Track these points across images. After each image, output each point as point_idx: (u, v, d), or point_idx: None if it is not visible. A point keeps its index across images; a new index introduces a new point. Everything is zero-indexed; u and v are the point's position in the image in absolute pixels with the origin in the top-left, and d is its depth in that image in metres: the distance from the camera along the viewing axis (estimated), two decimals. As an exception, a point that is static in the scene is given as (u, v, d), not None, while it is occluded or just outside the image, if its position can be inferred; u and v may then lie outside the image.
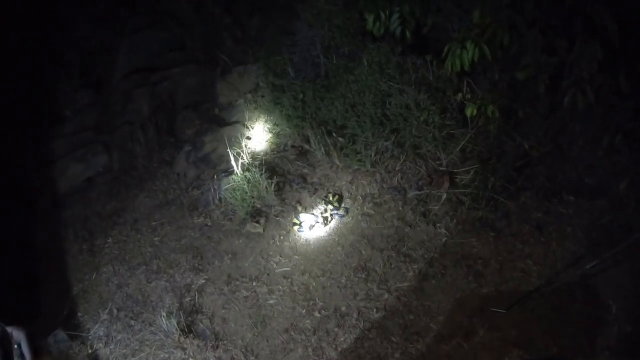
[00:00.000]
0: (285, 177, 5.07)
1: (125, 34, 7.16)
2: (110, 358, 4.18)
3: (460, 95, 4.65)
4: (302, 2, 5.41)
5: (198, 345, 3.99)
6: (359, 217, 4.53)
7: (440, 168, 4.64)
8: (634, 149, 4.46)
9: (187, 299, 4.38)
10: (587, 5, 4.00)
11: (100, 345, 4.29)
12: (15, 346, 3.38)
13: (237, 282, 4.35)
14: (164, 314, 4.16)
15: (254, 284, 4.29)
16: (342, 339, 3.71)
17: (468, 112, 4.48)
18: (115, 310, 4.54)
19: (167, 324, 4.11)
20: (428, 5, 4.68)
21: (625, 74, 4.12)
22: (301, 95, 5.17)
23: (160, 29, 6.99)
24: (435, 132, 4.60)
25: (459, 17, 4.53)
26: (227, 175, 5.19)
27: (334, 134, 4.94)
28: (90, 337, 4.37)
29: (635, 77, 4.22)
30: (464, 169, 4.57)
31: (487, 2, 4.06)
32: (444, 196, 4.46)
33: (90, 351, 4.27)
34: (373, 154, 4.74)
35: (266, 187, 4.82)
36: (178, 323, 4.10)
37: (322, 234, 4.51)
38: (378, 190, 4.69)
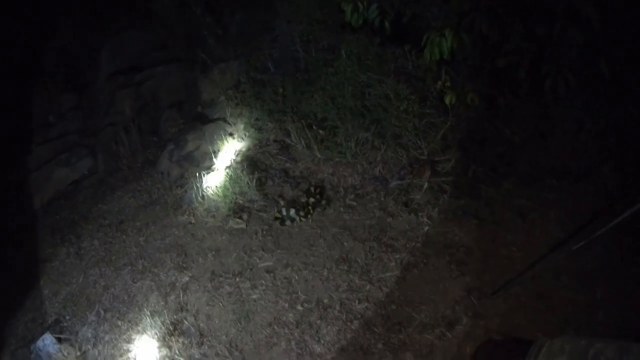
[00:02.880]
0: (267, 171, 5.05)
1: (107, 35, 7.13)
2: (99, 359, 4.16)
3: (439, 83, 4.63)
4: (283, -2, 5.41)
5: (183, 343, 3.96)
6: (341, 209, 4.51)
7: (422, 157, 4.62)
8: (617, 132, 4.45)
9: (172, 297, 4.36)
10: (567, -9, 4.00)
11: (89, 346, 4.28)
12: None
13: (221, 279, 4.32)
14: (149, 313, 4.14)
15: (237, 279, 4.26)
16: (324, 331, 3.69)
17: (447, 100, 4.47)
18: (102, 312, 4.52)
19: (152, 323, 4.09)
20: (407, -5, 4.68)
21: (605, 59, 4.12)
22: (281, 90, 5.16)
23: (143, 29, 6.97)
24: (416, 122, 4.59)
25: (439, 7, 4.51)
26: (209, 173, 5.17)
27: (314, 126, 4.92)
28: (78, 339, 4.36)
29: (616, 62, 4.21)
30: (445, 158, 4.56)
31: (466, -10, 4.06)
32: (426, 185, 4.44)
33: (78, 353, 4.27)
34: (354, 146, 4.72)
35: (248, 183, 4.80)
36: (163, 322, 4.08)
37: (304, 227, 4.49)
38: (360, 181, 4.67)
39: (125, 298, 4.58)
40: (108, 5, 7.24)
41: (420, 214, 4.30)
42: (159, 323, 4.07)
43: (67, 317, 4.67)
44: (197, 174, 5.22)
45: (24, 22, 7.60)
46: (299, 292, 4.00)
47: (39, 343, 4.38)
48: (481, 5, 4.04)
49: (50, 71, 7.51)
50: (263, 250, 4.44)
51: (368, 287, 3.88)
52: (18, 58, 7.58)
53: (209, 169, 5.28)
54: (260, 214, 4.74)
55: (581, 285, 3.64)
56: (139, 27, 7.01)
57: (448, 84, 4.58)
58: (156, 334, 4.07)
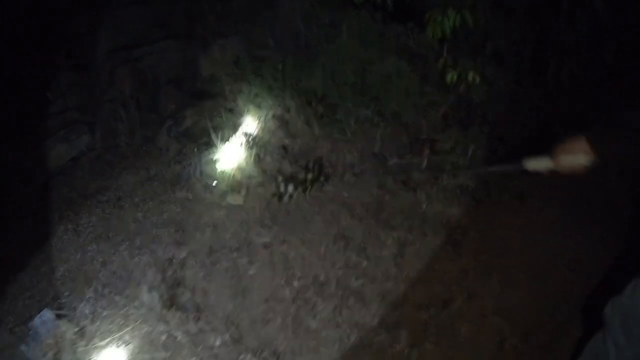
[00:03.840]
0: (265, 147, 5.00)
1: (107, 11, 7.06)
2: (97, 334, 4.11)
3: (441, 62, 4.59)
4: (283, -28, 5.34)
5: (180, 318, 3.94)
6: (339, 186, 4.50)
7: (421, 136, 4.60)
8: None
9: (170, 272, 4.34)
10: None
11: (87, 322, 4.24)
12: None
13: (218, 254, 4.31)
14: (146, 288, 4.14)
15: (235, 255, 4.25)
16: (320, 307, 3.68)
17: (448, 79, 4.43)
18: (100, 288, 4.48)
19: (149, 298, 4.08)
20: (411, -28, 4.62)
21: (611, 49, 4.07)
22: (281, 66, 5.10)
23: (142, 4, 6.90)
24: (416, 100, 4.55)
25: (443, -16, 4.45)
26: (208, 148, 5.14)
27: (314, 103, 4.88)
28: (76, 315, 4.30)
29: (621, 52, 4.16)
30: (445, 137, 4.53)
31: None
32: (425, 164, 4.41)
33: (77, 329, 4.22)
34: (353, 123, 4.69)
35: (246, 159, 4.77)
36: (160, 297, 4.07)
37: (302, 204, 4.47)
38: (359, 158, 4.65)
39: (123, 274, 4.56)
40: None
41: (418, 192, 4.28)
42: (156, 298, 4.05)
43: (65, 294, 4.63)
44: (196, 150, 5.20)
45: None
46: (296, 269, 3.99)
47: (37, 320, 4.35)
48: (485, -18, 3.99)
49: (49, 47, 7.43)
50: (260, 226, 4.42)
51: (365, 264, 3.87)
52: (17, 34, 7.50)
53: (207, 145, 5.24)
54: (258, 189, 4.71)
55: (578, 269, 3.64)
56: (139, 3, 6.93)
57: (450, 62, 4.54)
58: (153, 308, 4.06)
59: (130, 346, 3.95)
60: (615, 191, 4.12)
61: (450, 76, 4.40)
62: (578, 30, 4.09)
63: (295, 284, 3.90)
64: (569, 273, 3.63)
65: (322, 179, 4.55)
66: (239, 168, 4.84)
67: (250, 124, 5.25)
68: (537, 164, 2.55)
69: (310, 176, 4.54)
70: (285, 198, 4.52)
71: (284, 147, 5.00)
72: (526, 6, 4.17)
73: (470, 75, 4.36)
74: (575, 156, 2.25)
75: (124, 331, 4.08)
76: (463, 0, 4.14)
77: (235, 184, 4.79)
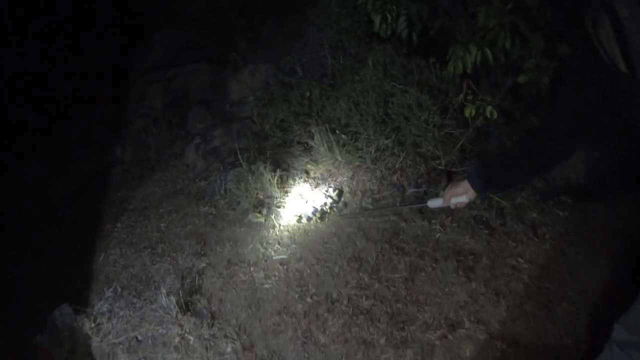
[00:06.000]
0: (289, 171, 5.22)
1: (143, 32, 7.43)
2: (112, 332, 4.28)
3: (461, 96, 4.75)
4: (313, 5, 5.61)
5: (194, 323, 4.09)
6: (357, 211, 4.65)
7: (439, 167, 4.74)
8: (631, 150, 4.49)
9: (188, 280, 4.51)
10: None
11: (103, 320, 4.40)
12: None
13: (236, 267, 4.47)
14: (164, 292, 4.29)
15: (252, 269, 4.41)
16: (330, 323, 3.80)
17: (467, 113, 4.57)
18: (119, 289, 4.68)
19: (166, 302, 4.23)
20: (436, 9, 4.81)
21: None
22: (308, 94, 5.34)
23: (178, 29, 7.26)
24: (435, 132, 4.71)
25: (466, 21, 4.65)
26: (233, 168, 5.36)
27: (337, 131, 5.08)
28: (94, 312, 4.50)
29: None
30: (462, 169, 4.67)
31: (492, 6, 4.18)
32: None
33: (92, 325, 4.38)
34: (374, 151, 4.86)
35: (269, 180, 4.96)
36: (177, 301, 4.22)
37: (320, 226, 4.63)
38: (377, 186, 4.80)
39: (143, 278, 4.75)
40: (146, 5, 7.54)
41: (433, 221, 4.41)
42: (174, 302, 4.21)
43: (86, 292, 4.82)
44: (221, 169, 5.41)
45: (64, 14, 7.93)
46: (310, 285, 4.13)
47: (56, 313, 4.52)
48: (505, 21, 4.16)
49: (84, 61, 7.79)
50: (279, 244, 4.59)
51: (376, 285, 3.99)
52: (55, 48, 7.88)
53: (232, 164, 5.46)
54: (279, 210, 4.91)
55: (585, 300, 3.70)
56: (175, 27, 7.30)
57: (469, 97, 4.69)
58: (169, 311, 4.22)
59: (143, 345, 4.11)
60: (630, 216, 4.18)
61: (469, 110, 4.53)
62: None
63: (308, 299, 4.03)
64: (577, 302, 3.68)
65: (341, 203, 4.71)
66: (262, 188, 5.04)
67: (276, 148, 5.46)
68: (435, 203, 3.17)
69: (329, 200, 4.70)
70: (305, 219, 4.68)
71: (306, 172, 5.20)
72: (544, 41, 4.30)
73: (489, 110, 4.51)
74: (459, 197, 2.85)
75: (139, 331, 4.22)
76: (484, 36, 4.31)
77: (257, 203, 4.99)
